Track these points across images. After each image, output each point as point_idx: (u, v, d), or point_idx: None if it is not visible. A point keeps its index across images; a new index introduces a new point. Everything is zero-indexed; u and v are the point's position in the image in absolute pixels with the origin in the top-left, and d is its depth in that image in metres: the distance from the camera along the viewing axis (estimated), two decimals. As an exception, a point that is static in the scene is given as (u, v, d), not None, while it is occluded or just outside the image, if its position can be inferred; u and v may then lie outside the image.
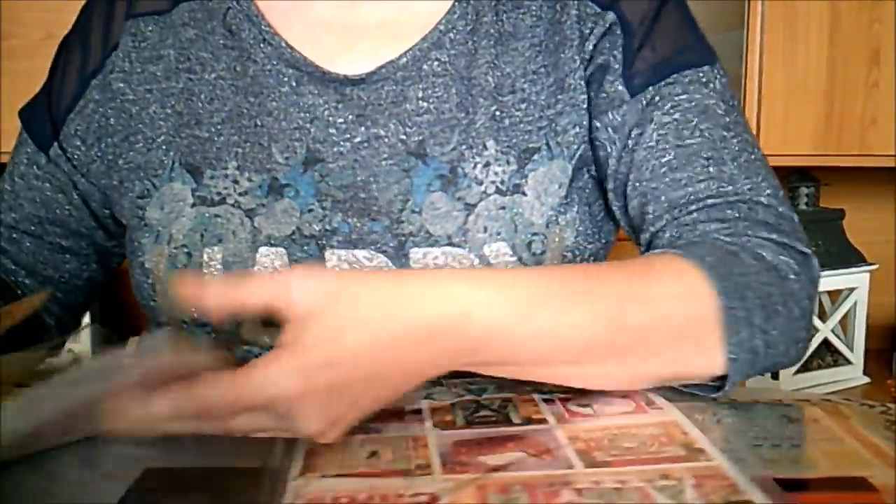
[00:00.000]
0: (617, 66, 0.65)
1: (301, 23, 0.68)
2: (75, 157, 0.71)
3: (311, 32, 0.68)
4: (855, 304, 1.68)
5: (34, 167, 0.72)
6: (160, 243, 0.65)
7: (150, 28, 0.69)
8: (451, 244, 0.63)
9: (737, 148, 0.64)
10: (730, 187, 0.62)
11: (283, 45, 0.67)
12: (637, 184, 0.65)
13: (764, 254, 0.58)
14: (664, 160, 0.63)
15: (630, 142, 0.65)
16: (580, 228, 0.66)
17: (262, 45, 0.67)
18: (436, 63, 0.66)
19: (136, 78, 0.68)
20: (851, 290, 1.68)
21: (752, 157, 0.65)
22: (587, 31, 0.66)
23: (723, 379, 0.55)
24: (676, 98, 0.64)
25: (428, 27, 0.67)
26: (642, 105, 0.64)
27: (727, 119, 0.65)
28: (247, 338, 0.54)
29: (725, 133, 0.64)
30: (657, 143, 0.64)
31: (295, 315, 0.45)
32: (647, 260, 0.57)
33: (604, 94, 0.65)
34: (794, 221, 0.65)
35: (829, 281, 1.66)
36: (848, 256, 1.69)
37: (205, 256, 0.64)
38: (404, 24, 0.68)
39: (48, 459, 0.47)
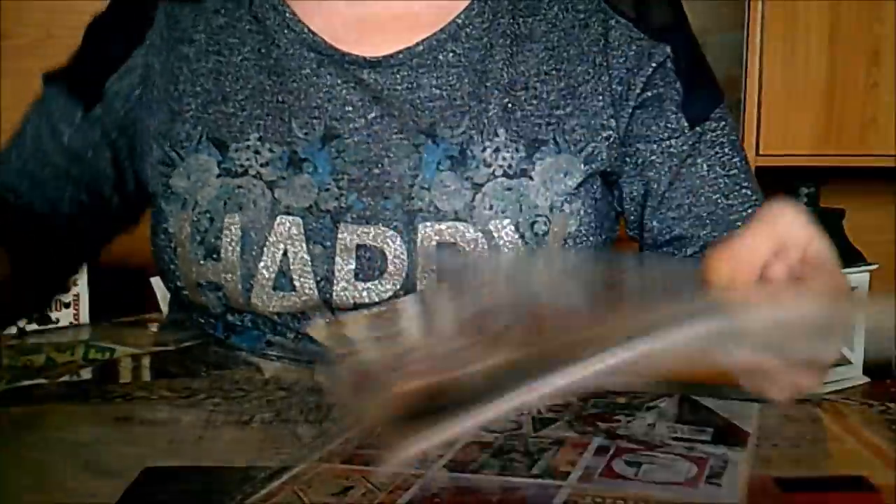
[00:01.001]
0: (677, 97, 0.72)
1: (318, 15, 0.72)
2: (119, 115, 0.74)
3: (328, 25, 0.72)
4: (855, 304, 1.68)
5: (68, 123, 0.75)
6: (185, 210, 0.69)
7: (184, 12, 0.73)
8: (457, 219, 0.67)
9: (754, 178, 0.75)
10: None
11: (306, 31, 0.71)
12: (693, 207, 0.72)
13: None
14: (716, 188, 0.72)
15: (684, 169, 0.72)
16: (584, 220, 0.70)
17: (285, 32, 0.71)
18: (451, 54, 0.70)
19: (167, 55, 0.72)
20: (852, 290, 1.68)
21: (758, 186, 0.75)
22: (633, 55, 0.71)
23: None
24: (713, 133, 0.73)
25: (442, 22, 0.71)
26: (696, 137, 0.72)
27: (744, 153, 0.75)
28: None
29: (747, 164, 0.75)
30: (708, 172, 0.72)
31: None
32: None
33: (665, 122, 0.72)
34: None
35: (829, 281, 1.66)
36: (848, 256, 1.69)
37: (225, 221, 0.68)
38: (418, 18, 0.72)
39: (45, 457, 0.47)
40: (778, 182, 1.73)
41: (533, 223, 0.68)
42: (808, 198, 1.70)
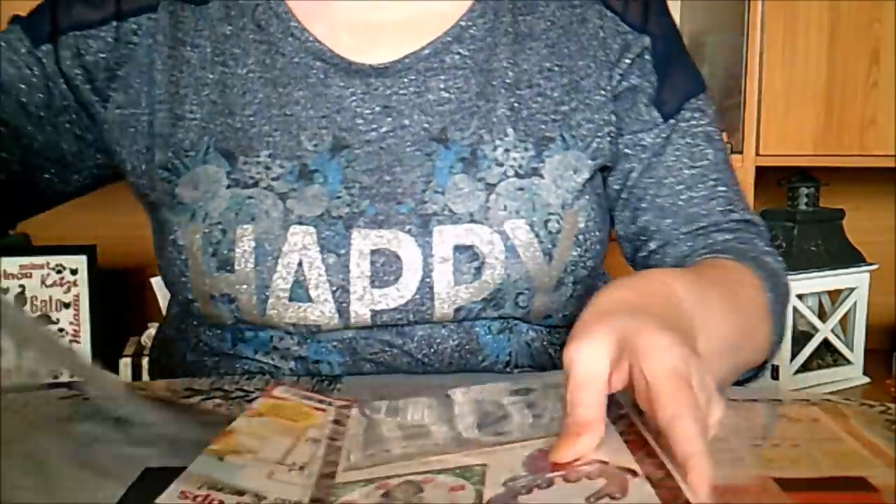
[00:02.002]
0: (651, 91, 0.72)
1: (322, 22, 0.71)
2: (65, 66, 0.71)
3: (332, 31, 0.71)
4: (855, 304, 1.68)
5: (11, 52, 0.71)
6: (195, 221, 0.68)
7: (186, 14, 0.71)
8: (473, 221, 0.67)
9: (729, 172, 0.75)
10: (731, 206, 0.73)
11: (311, 39, 0.70)
12: (656, 198, 0.73)
13: (769, 261, 0.68)
14: (681, 179, 0.72)
15: (654, 160, 0.73)
16: (591, 215, 0.71)
17: (289, 40, 0.70)
18: (457, 56, 0.71)
19: (169, 53, 0.70)
20: (851, 290, 1.68)
21: (735, 179, 0.75)
22: (617, 48, 0.72)
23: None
24: (687, 123, 0.73)
25: (445, 26, 0.71)
26: (669, 129, 0.73)
27: (720, 145, 0.75)
28: None
29: (722, 157, 0.74)
30: (674, 162, 0.72)
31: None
32: (722, 265, 0.65)
33: (636, 115, 0.73)
34: (770, 238, 0.75)
35: (829, 281, 1.66)
36: (848, 256, 1.69)
37: (238, 232, 0.66)
38: (421, 23, 0.71)
39: (45, 458, 0.47)
40: (778, 182, 1.74)
41: (546, 221, 0.68)
42: (808, 198, 1.70)
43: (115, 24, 0.71)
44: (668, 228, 0.72)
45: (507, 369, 0.70)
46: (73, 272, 1.53)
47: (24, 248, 1.54)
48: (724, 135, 1.58)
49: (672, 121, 0.72)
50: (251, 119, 0.69)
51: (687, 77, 0.74)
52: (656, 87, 0.72)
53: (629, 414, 0.47)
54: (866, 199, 1.85)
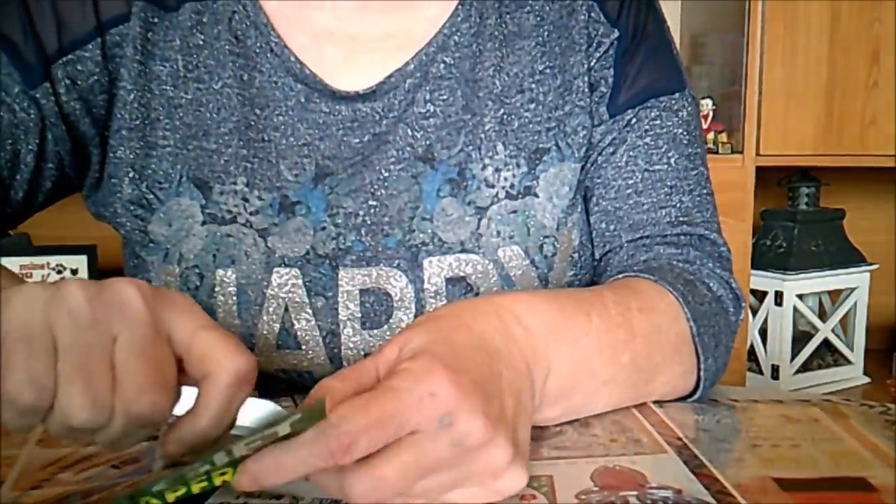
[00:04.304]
0: (604, 87, 0.67)
1: (305, 32, 0.65)
2: (62, 102, 0.63)
3: (314, 43, 0.65)
4: (855, 304, 1.69)
5: (3, 92, 0.61)
6: (169, 262, 0.63)
7: (155, 20, 0.64)
8: (464, 250, 0.63)
9: (694, 181, 0.68)
10: (685, 218, 0.67)
11: (291, 58, 0.64)
12: (601, 200, 0.68)
13: (712, 285, 0.63)
14: (630, 182, 0.67)
15: (601, 158, 0.67)
16: (583, 228, 0.67)
17: (268, 56, 0.64)
18: (442, 66, 0.65)
19: (140, 70, 0.63)
20: (851, 290, 1.69)
21: (705, 191, 0.69)
22: (594, 38, 0.68)
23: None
24: (650, 123, 0.67)
25: (431, 32, 0.66)
26: (619, 126, 0.67)
27: (690, 150, 0.68)
28: None
29: (688, 164, 0.68)
30: (626, 164, 0.67)
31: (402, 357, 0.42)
32: (635, 286, 0.59)
33: (594, 110, 0.68)
34: (731, 261, 0.69)
35: (829, 281, 1.66)
36: (848, 256, 1.69)
37: (217, 278, 0.62)
38: (409, 34, 0.66)
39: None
40: (778, 182, 1.74)
41: (541, 245, 0.65)
42: (808, 198, 1.70)
43: (98, 39, 0.62)
44: (611, 235, 0.67)
45: None
46: (74, 272, 1.53)
47: (24, 248, 1.54)
48: (724, 135, 1.58)
49: (619, 118, 0.67)
50: (226, 139, 0.63)
51: (658, 75, 0.68)
52: (610, 84, 0.67)
53: (686, 443, 0.47)
54: (866, 199, 1.85)
